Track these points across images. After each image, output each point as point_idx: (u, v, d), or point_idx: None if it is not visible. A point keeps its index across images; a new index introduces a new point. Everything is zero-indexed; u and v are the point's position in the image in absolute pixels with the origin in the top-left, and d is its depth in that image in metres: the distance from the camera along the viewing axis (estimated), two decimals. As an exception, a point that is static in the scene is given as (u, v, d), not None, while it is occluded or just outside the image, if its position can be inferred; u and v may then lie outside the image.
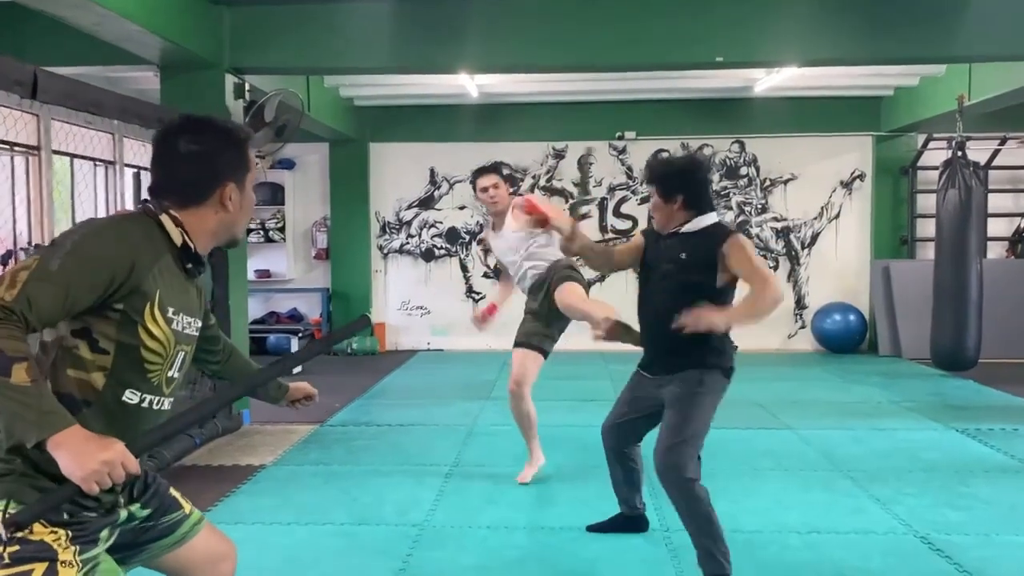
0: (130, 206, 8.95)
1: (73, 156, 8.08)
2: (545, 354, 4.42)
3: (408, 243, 10.06)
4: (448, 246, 10.03)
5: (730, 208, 9.85)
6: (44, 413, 1.50)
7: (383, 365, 8.86)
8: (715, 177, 9.85)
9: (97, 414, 1.66)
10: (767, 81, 8.25)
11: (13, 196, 7.27)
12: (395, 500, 4.33)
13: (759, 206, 9.87)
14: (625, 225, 9.94)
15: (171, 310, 1.73)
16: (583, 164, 9.94)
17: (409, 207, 10.02)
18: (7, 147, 6.93)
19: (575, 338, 4.74)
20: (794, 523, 3.95)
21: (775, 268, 9.76)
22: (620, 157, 9.92)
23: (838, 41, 6.05)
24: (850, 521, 4.00)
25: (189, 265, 1.78)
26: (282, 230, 9.98)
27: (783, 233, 9.85)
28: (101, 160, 8.62)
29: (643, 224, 9.93)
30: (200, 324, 1.89)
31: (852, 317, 9.43)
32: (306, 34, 6.06)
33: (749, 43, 5.94)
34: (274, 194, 9.92)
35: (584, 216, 9.88)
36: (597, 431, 3.54)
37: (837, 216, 9.80)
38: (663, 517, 4.01)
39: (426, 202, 10.01)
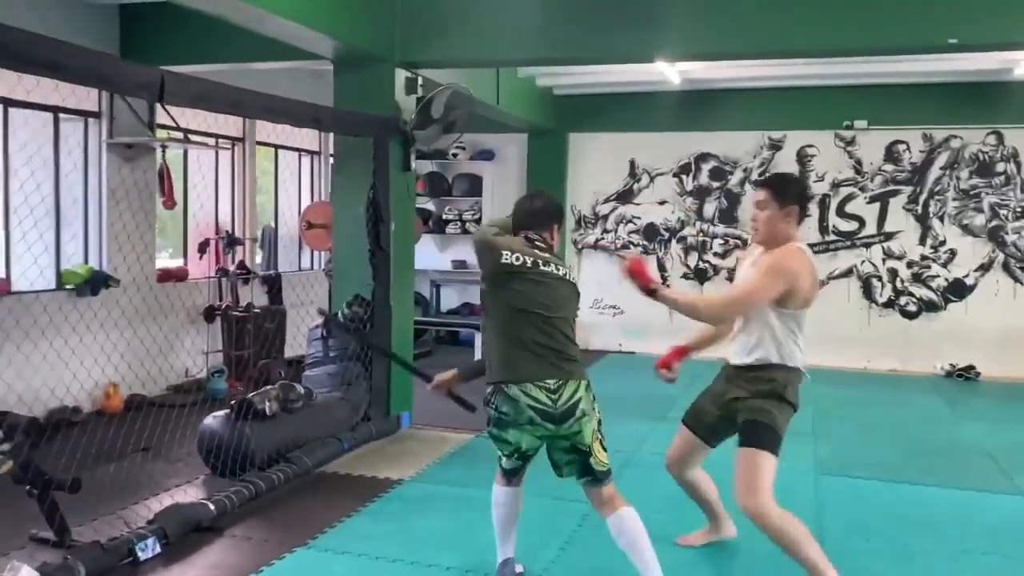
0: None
1: (278, 147, 8.40)
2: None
3: (604, 238, 9.57)
4: (645, 243, 9.43)
5: (981, 211, 8.42)
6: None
7: (568, 367, 8.46)
8: (964, 174, 8.46)
9: None
10: (1033, 62, 6.84)
11: (216, 187, 7.64)
12: (518, 541, 3.92)
13: (1018, 209, 8.34)
14: (851, 226, 8.81)
15: None
16: (803, 156, 8.93)
17: (606, 200, 9.52)
18: (212, 139, 7.27)
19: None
20: (998, 642, 3.08)
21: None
22: (848, 149, 8.79)
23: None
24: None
25: None
26: (479, 221, 9.86)
27: (1047, 242, 8.27)
28: (307, 151, 8.93)
29: (871, 226, 8.77)
30: None
31: None
32: (481, 25, 5.73)
33: (989, 21, 4.79)
34: (472, 186, 9.83)
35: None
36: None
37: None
38: None
39: (624, 196, 9.46)
